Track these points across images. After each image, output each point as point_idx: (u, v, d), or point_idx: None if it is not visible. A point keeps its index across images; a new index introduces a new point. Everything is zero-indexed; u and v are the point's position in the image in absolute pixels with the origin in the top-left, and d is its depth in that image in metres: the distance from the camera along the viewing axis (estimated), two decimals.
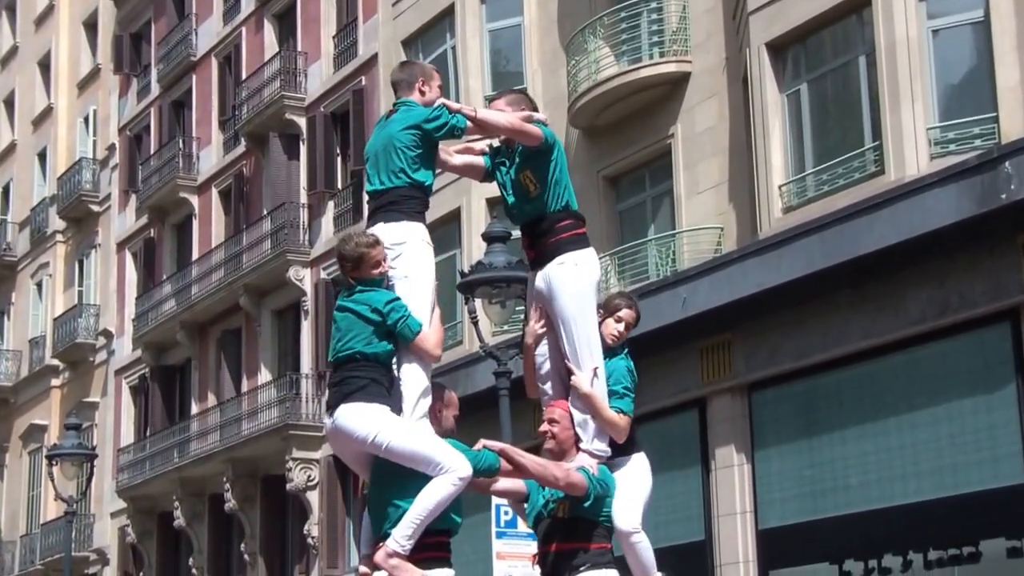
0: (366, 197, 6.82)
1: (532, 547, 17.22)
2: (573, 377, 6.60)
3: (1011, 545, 15.70)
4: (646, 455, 6.95)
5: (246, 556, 32.62)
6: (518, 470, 6.34)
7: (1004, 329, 15.88)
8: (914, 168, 16.76)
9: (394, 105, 6.69)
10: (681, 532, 19.68)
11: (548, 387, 6.84)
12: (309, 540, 30.35)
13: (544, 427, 6.65)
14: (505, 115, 6.55)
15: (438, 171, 6.76)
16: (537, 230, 6.65)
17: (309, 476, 30.19)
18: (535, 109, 6.75)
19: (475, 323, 15.81)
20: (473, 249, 23.57)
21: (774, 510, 18.44)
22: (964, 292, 16.08)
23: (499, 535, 16.47)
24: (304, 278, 31.31)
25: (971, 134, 16.79)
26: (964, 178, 15.55)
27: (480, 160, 6.87)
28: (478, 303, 15.88)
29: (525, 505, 6.80)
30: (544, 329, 6.75)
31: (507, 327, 20.28)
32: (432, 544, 6.19)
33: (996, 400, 15.89)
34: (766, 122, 18.97)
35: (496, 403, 15.72)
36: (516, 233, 17.09)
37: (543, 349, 6.80)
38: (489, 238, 16.04)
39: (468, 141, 6.97)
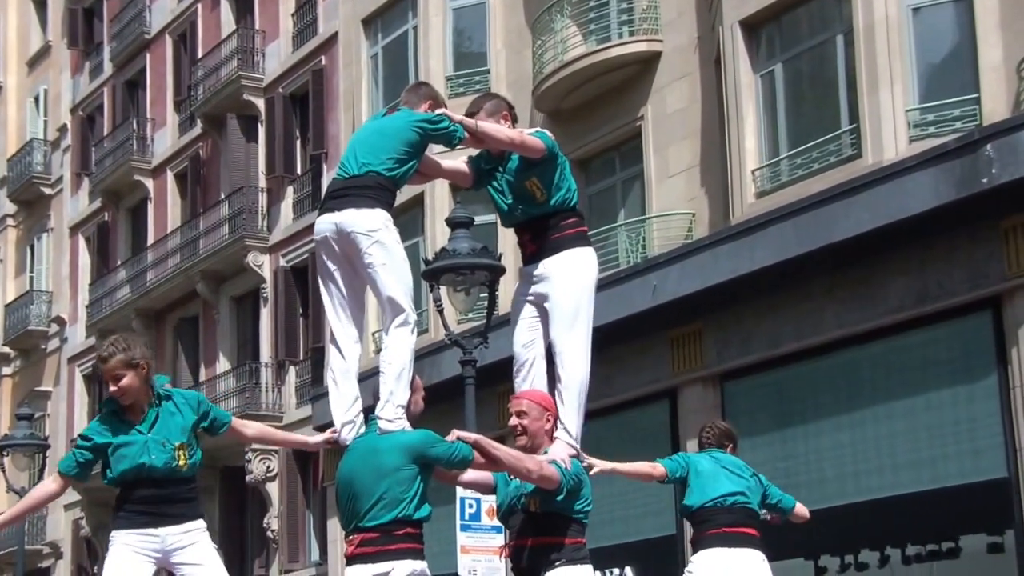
0: (327, 186, 6.74)
1: (497, 540, 17.06)
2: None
3: (992, 541, 15.62)
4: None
5: None
6: (492, 462, 6.32)
7: (985, 318, 15.78)
8: (892, 151, 16.61)
9: (394, 107, 6.84)
10: (652, 526, 19.60)
11: (520, 379, 6.84)
12: (269, 533, 30.19)
13: (513, 421, 6.62)
14: (506, 130, 6.71)
15: (424, 180, 6.92)
16: (542, 225, 6.81)
17: (268, 467, 30.09)
18: (512, 109, 6.91)
19: (440, 311, 15.66)
20: (437, 235, 23.41)
21: None
22: (943, 280, 15.97)
23: (463, 528, 16.36)
24: (263, 264, 31.16)
25: (952, 116, 16.66)
26: (944, 162, 15.43)
27: (465, 166, 7.00)
28: (443, 291, 15.77)
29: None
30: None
31: (472, 315, 20.13)
32: (402, 535, 6.15)
33: (977, 391, 15.80)
34: (739, 104, 18.83)
35: (462, 392, 15.63)
36: (480, 219, 16.99)
37: (526, 338, 6.82)
38: (453, 224, 15.93)
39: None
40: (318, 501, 28.79)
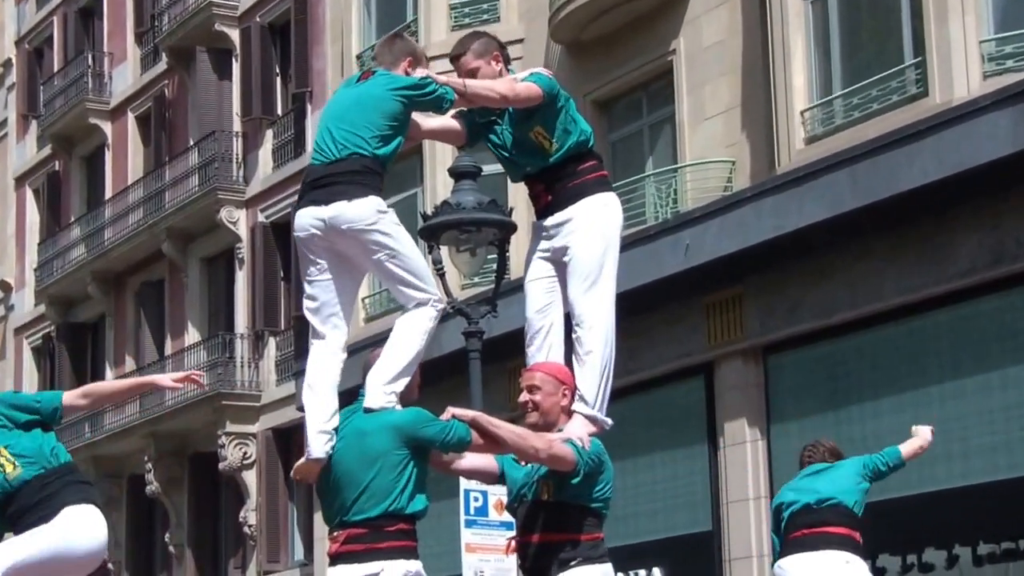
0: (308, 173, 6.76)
1: (507, 536, 17.08)
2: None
3: None
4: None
5: (171, 548, 32.58)
6: (493, 442, 6.32)
7: None
8: (963, 89, 16.63)
9: (369, 70, 6.84)
10: (685, 520, 19.69)
11: (534, 350, 6.86)
12: (246, 529, 30.32)
13: (524, 396, 6.62)
14: (498, 85, 6.72)
15: (410, 143, 6.92)
16: (556, 173, 6.85)
17: (245, 453, 30.29)
18: (503, 49, 6.94)
19: (441, 275, 15.59)
20: (438, 187, 23.43)
21: None
22: (1021, 236, 15.94)
23: (468, 524, 16.39)
24: (238, 220, 31.26)
25: None
26: (1023, 100, 15.35)
27: (455, 122, 7.01)
28: (444, 251, 15.76)
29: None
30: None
31: (478, 279, 20.11)
32: (394, 532, 6.22)
33: None
34: (786, 35, 18.82)
35: (465, 367, 15.65)
36: (487, 168, 16.95)
37: (541, 302, 6.85)
38: (456, 174, 15.86)
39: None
40: (302, 492, 28.84)
